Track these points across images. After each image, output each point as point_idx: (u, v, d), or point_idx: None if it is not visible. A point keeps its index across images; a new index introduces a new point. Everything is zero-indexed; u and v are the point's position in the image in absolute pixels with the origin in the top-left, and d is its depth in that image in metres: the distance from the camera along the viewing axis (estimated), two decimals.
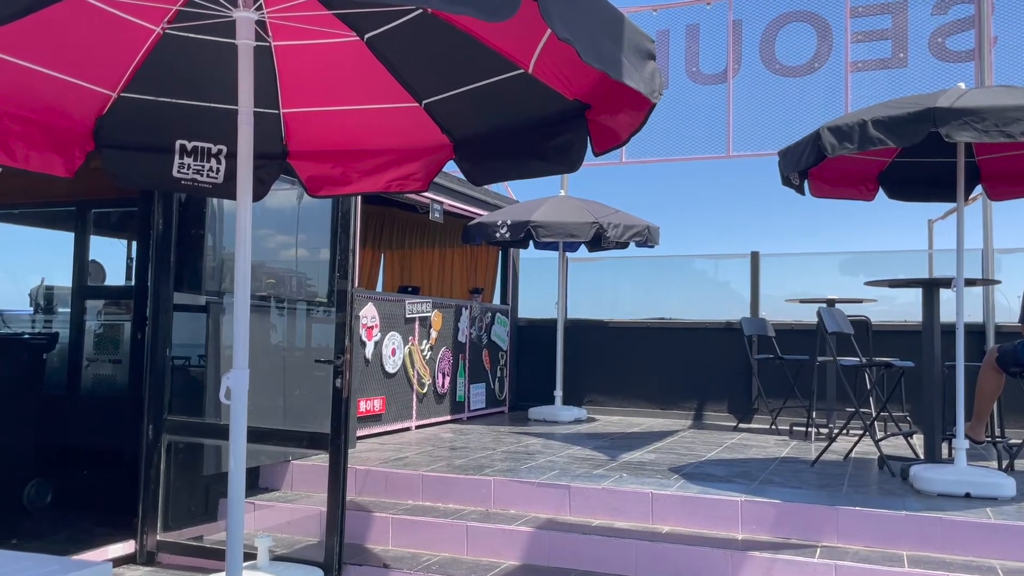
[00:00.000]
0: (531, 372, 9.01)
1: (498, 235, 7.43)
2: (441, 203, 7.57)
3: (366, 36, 2.85)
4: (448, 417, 7.54)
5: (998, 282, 6.44)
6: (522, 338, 9.16)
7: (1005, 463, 5.21)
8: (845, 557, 3.81)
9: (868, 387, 6.72)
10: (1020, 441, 5.56)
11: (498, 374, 8.60)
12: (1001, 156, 5.22)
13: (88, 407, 5.83)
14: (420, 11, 2.67)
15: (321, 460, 4.88)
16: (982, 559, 3.80)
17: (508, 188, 9.35)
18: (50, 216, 6.83)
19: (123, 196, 5.72)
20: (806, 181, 5.05)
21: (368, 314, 6.29)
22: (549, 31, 2.40)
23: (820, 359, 6.89)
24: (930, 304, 5.08)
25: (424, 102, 3.08)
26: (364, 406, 6.22)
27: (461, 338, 7.80)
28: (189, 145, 3.25)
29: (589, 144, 2.76)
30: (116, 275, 6.53)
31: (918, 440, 5.75)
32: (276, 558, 4.11)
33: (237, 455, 2.88)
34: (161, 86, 3.09)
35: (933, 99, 4.07)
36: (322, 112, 3.28)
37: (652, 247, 8.04)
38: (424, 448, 5.86)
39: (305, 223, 5.29)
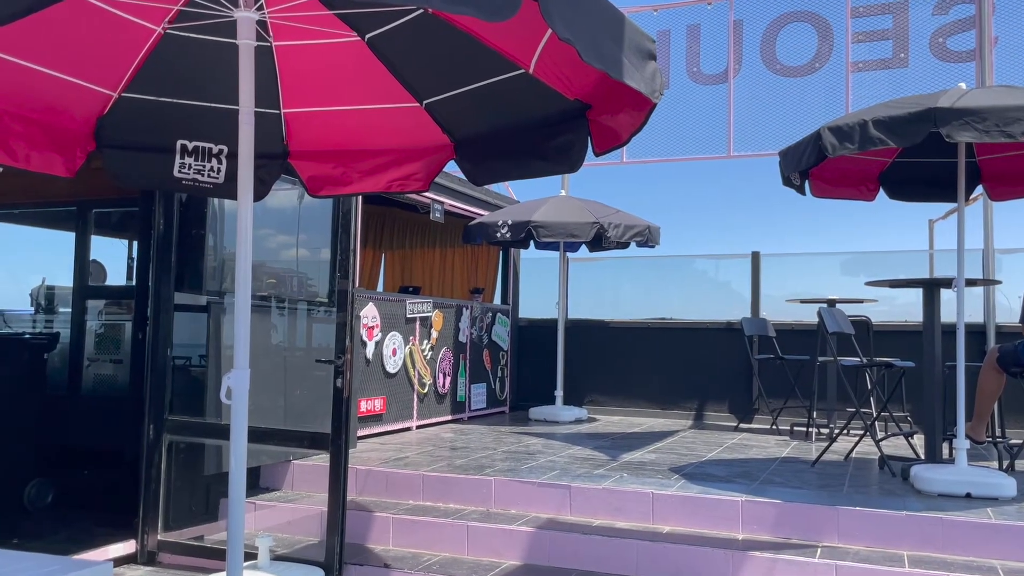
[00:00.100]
0: (532, 372, 9.01)
1: (499, 235, 7.43)
2: (442, 203, 7.57)
3: (367, 36, 2.85)
4: (449, 417, 7.54)
5: (999, 282, 6.44)
6: (523, 338, 9.16)
7: (1006, 463, 5.21)
8: (846, 557, 3.81)
9: (869, 387, 6.72)
10: (1021, 441, 5.56)
11: (499, 374, 8.60)
12: (1002, 156, 5.21)
13: (89, 407, 5.84)
14: (421, 11, 2.67)
15: (322, 460, 4.88)
16: (983, 559, 3.80)
17: (509, 188, 9.35)
18: (51, 216, 6.83)
19: (124, 196, 5.73)
20: (807, 181, 5.05)
21: (369, 314, 6.29)
22: (550, 31, 2.40)
23: (821, 359, 6.89)
24: (931, 304, 5.08)
25: (425, 102, 3.09)
26: (365, 406, 6.22)
27: (462, 338, 7.80)
28: (190, 145, 3.25)
29: (590, 144, 2.77)
30: (117, 275, 6.54)
31: (919, 440, 5.75)
32: (277, 558, 4.11)
33: (238, 455, 2.88)
34: (162, 86, 3.09)
35: (934, 99, 4.07)
36: (323, 112, 3.28)
37: (653, 247, 8.04)
38: (425, 448, 5.86)
39: (306, 223, 5.29)
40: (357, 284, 4.78)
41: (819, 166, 4.59)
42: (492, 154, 3.11)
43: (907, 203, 5.62)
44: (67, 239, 6.32)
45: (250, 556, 3.82)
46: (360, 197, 5.42)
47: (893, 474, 5.03)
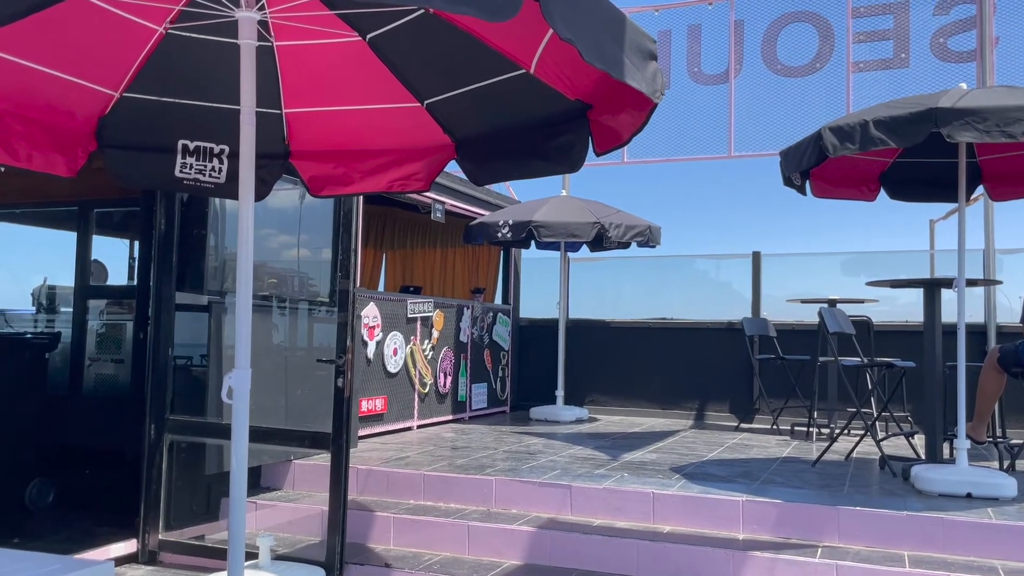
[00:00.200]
0: (533, 372, 9.01)
1: (500, 235, 7.43)
2: (443, 203, 7.57)
3: (368, 36, 2.86)
4: (450, 417, 7.55)
5: (999, 282, 6.44)
6: (524, 338, 9.16)
7: (1006, 463, 5.21)
8: (846, 557, 3.81)
9: (869, 387, 6.72)
10: (1021, 441, 5.56)
11: (500, 374, 8.60)
12: (1003, 156, 5.21)
13: (90, 407, 5.84)
14: (422, 11, 2.67)
15: (323, 459, 4.88)
16: (983, 559, 3.80)
17: (510, 188, 9.35)
18: (52, 216, 6.84)
19: (125, 196, 5.73)
20: (808, 181, 5.05)
21: (370, 314, 6.30)
22: (551, 31, 2.40)
23: (821, 359, 6.89)
24: (931, 304, 5.08)
25: (426, 102, 3.09)
26: (366, 406, 6.22)
27: (463, 338, 7.80)
28: (191, 145, 3.25)
29: (591, 144, 2.77)
30: (118, 275, 6.55)
31: (919, 440, 5.75)
32: (278, 557, 4.12)
33: (239, 454, 2.88)
34: (163, 86, 3.10)
35: (935, 99, 4.07)
36: (324, 112, 3.28)
37: (654, 247, 8.04)
38: (426, 448, 5.87)
39: (307, 223, 5.30)
40: (358, 284, 4.79)
41: (820, 166, 4.59)
42: (493, 154, 3.11)
43: (908, 203, 5.62)
44: (68, 239, 6.33)
45: (251, 556, 3.83)
46: (361, 197, 5.42)
47: (894, 474, 5.03)
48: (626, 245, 7.99)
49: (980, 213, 7.40)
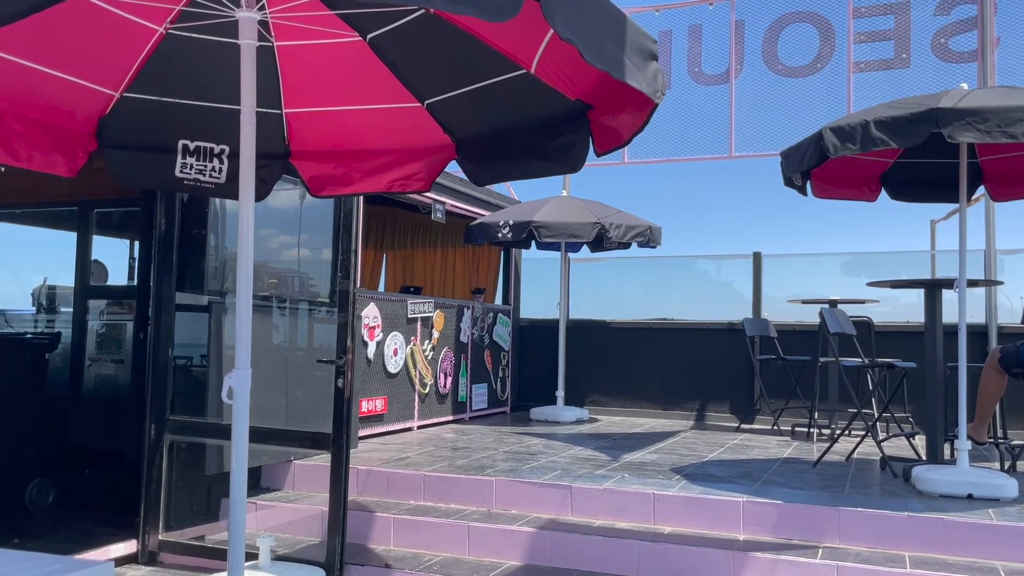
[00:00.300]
0: (533, 372, 9.01)
1: (500, 235, 7.42)
2: (443, 203, 7.57)
3: (368, 36, 2.85)
4: (450, 417, 7.54)
5: (1000, 283, 6.43)
6: (524, 338, 9.15)
7: (1007, 464, 5.20)
8: (847, 558, 3.80)
9: (870, 388, 6.72)
10: (1022, 442, 5.55)
11: (500, 374, 8.60)
12: (1004, 157, 5.21)
13: (90, 407, 5.84)
14: (422, 11, 2.67)
15: (323, 460, 4.88)
16: (984, 560, 3.80)
17: (510, 188, 9.35)
18: (53, 216, 6.84)
19: (125, 196, 5.73)
20: (808, 182, 5.05)
21: (370, 314, 6.29)
22: (551, 31, 2.40)
23: (822, 360, 6.88)
24: (932, 305, 5.08)
25: (426, 102, 3.09)
26: (366, 406, 6.22)
27: (463, 338, 7.80)
28: (192, 145, 3.25)
29: (591, 144, 2.77)
30: (118, 275, 6.54)
31: (920, 441, 5.74)
32: (278, 558, 4.11)
33: (239, 455, 2.88)
34: (164, 86, 3.09)
35: (936, 100, 4.06)
36: (324, 112, 3.28)
37: (654, 247, 8.04)
38: (426, 448, 5.86)
39: (307, 223, 5.29)
40: (358, 284, 4.79)
41: (821, 167, 4.59)
42: (493, 154, 3.11)
43: (909, 204, 5.61)
44: (69, 239, 6.33)
45: (251, 556, 3.82)
46: (361, 197, 5.42)
47: (895, 475, 5.02)
48: (627, 245, 7.99)
49: (981, 214, 7.39)
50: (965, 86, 4.34)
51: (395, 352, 6.61)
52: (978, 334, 7.22)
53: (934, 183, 5.40)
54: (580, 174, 7.76)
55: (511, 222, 7.40)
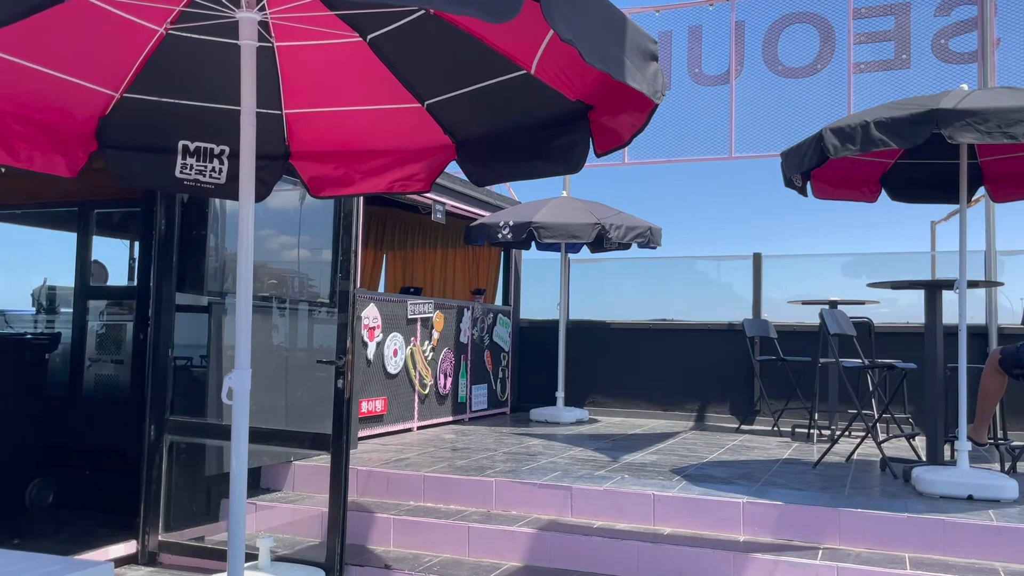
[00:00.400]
0: (533, 373, 9.01)
1: (500, 236, 7.42)
2: (443, 204, 7.57)
3: (369, 37, 2.85)
4: (450, 418, 7.54)
5: (1001, 284, 6.43)
6: (524, 339, 9.15)
7: (1007, 465, 5.20)
8: (847, 559, 3.80)
9: (870, 389, 6.72)
10: (1022, 443, 5.55)
11: (500, 375, 8.60)
12: (1004, 158, 5.21)
13: (90, 407, 5.84)
14: (422, 12, 2.67)
15: (323, 461, 4.88)
16: (984, 561, 3.80)
17: (510, 189, 9.35)
18: (53, 217, 6.83)
19: (125, 196, 5.73)
20: (809, 182, 5.05)
21: (370, 315, 6.29)
22: (551, 32, 2.40)
23: (822, 361, 6.88)
24: (932, 306, 5.08)
25: (426, 103, 3.09)
26: (366, 407, 6.22)
27: (463, 339, 7.80)
28: (192, 146, 3.25)
29: (591, 145, 2.76)
30: (118, 275, 6.54)
31: (920, 442, 5.74)
32: (278, 558, 4.11)
33: (239, 455, 2.88)
34: (164, 87, 3.09)
35: (936, 100, 4.06)
36: (325, 113, 3.28)
37: (654, 248, 8.03)
38: (426, 449, 5.86)
39: (307, 224, 5.29)
40: (358, 285, 4.78)
41: (821, 167, 4.59)
42: (494, 155, 3.11)
43: (909, 204, 5.61)
44: (69, 240, 6.32)
45: (251, 557, 3.82)
46: (361, 198, 5.42)
47: (895, 476, 5.02)
48: (627, 246, 7.98)
49: (981, 214, 7.39)
50: (965, 87, 4.34)
51: (395, 353, 6.61)
52: (978, 335, 7.22)
53: (934, 184, 5.40)
54: (580, 175, 7.76)
55: (511, 223, 7.40)
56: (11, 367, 5.16)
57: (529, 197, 9.11)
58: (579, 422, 7.91)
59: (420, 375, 6.98)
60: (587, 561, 4.11)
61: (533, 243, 8.40)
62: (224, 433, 3.91)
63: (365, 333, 6.23)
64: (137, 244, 6.42)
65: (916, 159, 5.28)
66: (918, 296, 5.59)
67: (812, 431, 6.88)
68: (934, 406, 5.05)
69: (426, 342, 7.11)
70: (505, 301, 9.19)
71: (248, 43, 2.77)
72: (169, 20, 2.82)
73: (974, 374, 5.10)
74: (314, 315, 5.45)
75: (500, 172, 3.19)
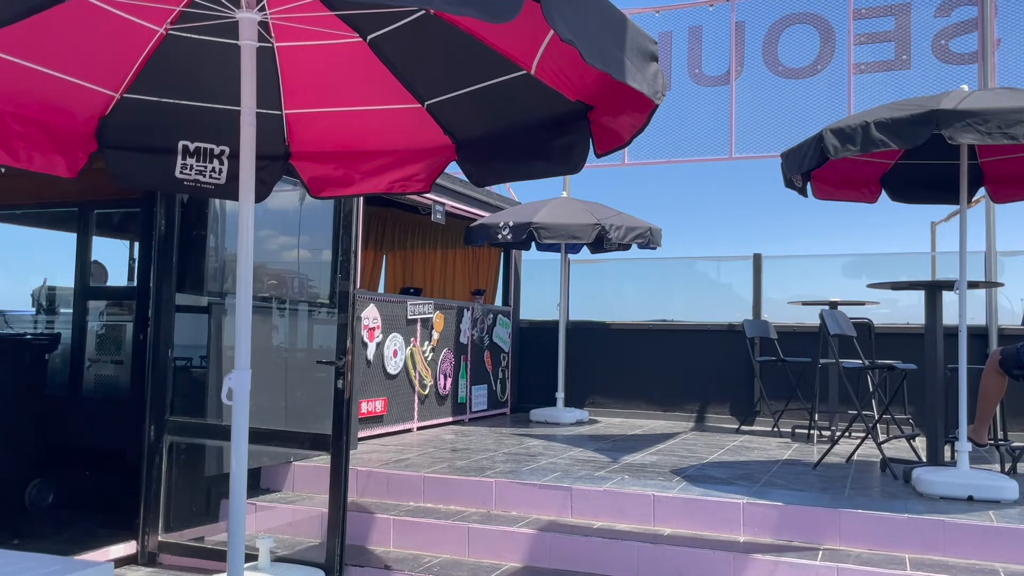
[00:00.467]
0: (533, 374, 9.00)
1: (500, 236, 7.42)
2: (443, 204, 7.57)
3: (369, 37, 2.85)
4: (450, 419, 7.54)
5: (1001, 284, 6.42)
6: (524, 340, 9.15)
7: (1008, 466, 5.20)
8: (847, 560, 3.80)
9: (871, 389, 6.71)
10: (1023, 444, 5.55)
11: (500, 376, 8.60)
12: (1004, 158, 5.21)
13: (90, 408, 5.83)
14: (423, 12, 2.67)
15: (323, 461, 4.88)
16: (985, 562, 3.80)
17: (510, 189, 9.35)
18: (52, 217, 6.83)
19: (125, 197, 5.73)
20: (809, 183, 5.04)
21: (370, 315, 6.29)
22: (552, 32, 2.40)
23: (823, 361, 6.88)
24: (933, 306, 5.07)
25: (426, 103, 3.09)
26: (366, 407, 6.22)
27: (463, 339, 7.80)
28: (192, 146, 3.25)
29: (591, 145, 2.76)
30: (118, 276, 6.54)
31: (921, 443, 5.74)
32: (277, 559, 4.11)
33: (239, 456, 2.88)
34: (164, 87, 3.09)
35: (936, 101, 4.06)
36: (325, 113, 3.28)
37: (654, 249, 8.03)
38: (426, 449, 5.86)
39: (307, 224, 5.29)
40: (358, 285, 4.78)
41: (821, 168, 4.59)
42: (494, 155, 3.10)
43: (909, 205, 5.61)
44: (69, 240, 6.33)
45: (251, 557, 3.82)
46: (361, 198, 5.41)
47: (895, 477, 5.02)
48: (627, 247, 7.98)
49: (981, 215, 7.39)
50: (966, 87, 4.34)
51: (395, 353, 6.60)
52: (978, 336, 7.22)
53: (934, 185, 5.40)
54: (580, 175, 7.75)
55: (511, 223, 7.39)
56: (11, 367, 5.16)
57: (529, 198, 9.12)
58: (579, 423, 7.91)
59: (420, 376, 6.97)
60: (587, 562, 4.11)
61: (533, 243, 8.40)
62: (224, 433, 3.91)
63: (365, 334, 6.23)
64: (137, 244, 6.42)
65: (916, 160, 5.28)
66: (918, 297, 5.59)
67: (812, 432, 6.88)
68: (934, 407, 5.05)
69: (426, 343, 7.11)
70: (505, 302, 9.18)
71: (248, 43, 2.77)
72: (169, 20, 2.82)
73: (974, 375, 5.10)
74: (314, 315, 5.45)
75: (500, 172, 3.19)
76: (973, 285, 4.97)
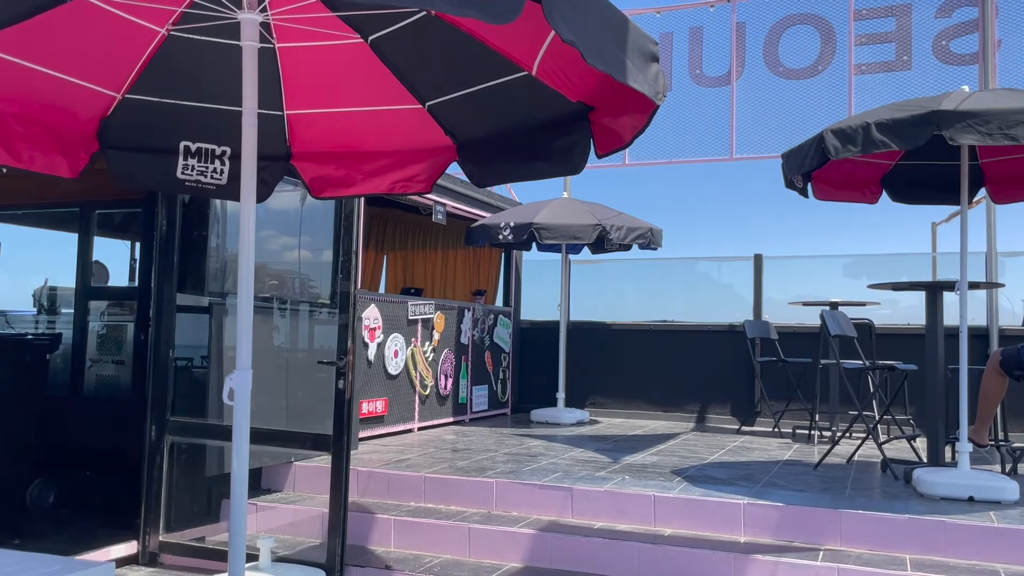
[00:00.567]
0: (533, 374, 9.00)
1: (501, 237, 7.42)
2: (444, 205, 7.57)
3: (370, 38, 2.86)
4: (450, 419, 7.54)
5: (1002, 285, 6.42)
6: (525, 340, 9.15)
7: (1008, 467, 5.20)
8: (848, 560, 3.80)
9: (871, 390, 6.71)
10: (1023, 445, 5.55)
11: (500, 376, 8.60)
12: (1005, 159, 5.21)
13: (91, 408, 5.84)
14: (424, 13, 2.67)
15: (323, 461, 4.88)
16: (985, 563, 3.80)
17: (511, 190, 9.35)
18: (54, 217, 6.84)
19: (127, 197, 5.73)
20: (809, 184, 5.05)
21: (371, 316, 6.29)
22: (553, 33, 2.40)
23: (823, 362, 6.88)
24: (933, 307, 5.07)
25: (428, 104, 3.09)
26: (366, 408, 6.22)
27: (464, 340, 7.80)
28: (193, 146, 3.25)
29: (592, 146, 2.77)
30: (119, 276, 6.55)
31: (921, 443, 5.74)
32: (278, 559, 4.11)
33: (240, 456, 2.88)
34: (165, 87, 3.10)
35: (937, 102, 4.06)
36: (326, 114, 3.28)
37: (655, 249, 8.03)
38: (426, 450, 5.86)
39: (308, 225, 5.29)
40: (359, 286, 4.79)
41: (822, 168, 4.58)
42: (495, 156, 3.11)
43: (910, 206, 5.61)
44: (70, 240, 6.33)
45: (251, 557, 3.82)
46: (362, 199, 5.42)
47: (896, 477, 5.02)
48: (627, 247, 7.98)
49: (982, 216, 7.39)
50: (966, 88, 4.34)
51: (396, 354, 6.61)
52: (979, 336, 7.21)
53: (935, 185, 5.40)
54: (581, 176, 7.75)
55: (512, 224, 7.40)
56: (12, 367, 5.17)
57: (530, 198, 9.12)
58: (580, 423, 7.91)
59: (421, 376, 6.98)
60: (588, 562, 4.11)
61: (534, 244, 8.40)
62: (225, 434, 3.91)
63: (366, 334, 6.23)
64: (138, 245, 6.42)
65: (917, 160, 5.28)
66: (919, 297, 5.59)
67: (813, 432, 6.88)
68: (935, 407, 5.05)
69: (427, 343, 7.11)
70: (506, 302, 9.19)
71: (250, 44, 2.77)
72: (171, 21, 2.83)
73: (975, 375, 5.10)
74: (315, 316, 5.46)
75: (501, 173, 3.20)
76: (974, 286, 4.97)
